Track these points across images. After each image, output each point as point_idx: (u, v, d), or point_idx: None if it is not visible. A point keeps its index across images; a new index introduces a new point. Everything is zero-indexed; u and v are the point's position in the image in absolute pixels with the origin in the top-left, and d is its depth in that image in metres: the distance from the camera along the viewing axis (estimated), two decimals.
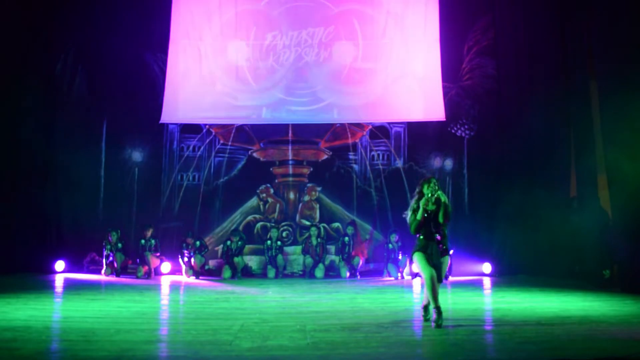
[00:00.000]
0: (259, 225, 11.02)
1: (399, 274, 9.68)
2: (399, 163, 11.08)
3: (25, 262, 9.89)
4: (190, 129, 11.20)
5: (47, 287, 8.53)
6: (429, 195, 5.30)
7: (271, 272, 10.06)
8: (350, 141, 11.18)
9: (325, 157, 11.19)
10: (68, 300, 7.27)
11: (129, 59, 10.87)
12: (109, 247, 10.02)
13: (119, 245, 10.03)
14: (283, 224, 11.02)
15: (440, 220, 5.37)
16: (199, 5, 10.99)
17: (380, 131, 11.19)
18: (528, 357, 4.18)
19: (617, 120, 7.98)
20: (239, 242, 10.11)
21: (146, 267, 9.93)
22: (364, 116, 10.95)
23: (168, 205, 10.99)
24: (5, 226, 9.79)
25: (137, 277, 9.74)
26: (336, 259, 10.38)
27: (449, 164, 10.95)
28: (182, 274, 10.01)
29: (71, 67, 10.77)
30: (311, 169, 11.19)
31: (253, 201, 11.11)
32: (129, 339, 4.72)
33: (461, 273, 9.81)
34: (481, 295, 7.81)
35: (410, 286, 8.82)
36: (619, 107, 7.92)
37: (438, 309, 5.19)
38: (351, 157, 11.16)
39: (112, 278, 9.70)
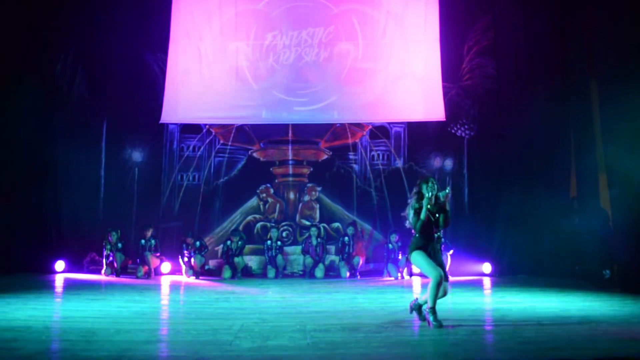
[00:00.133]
0: (259, 225, 11.02)
1: (399, 274, 9.69)
2: (399, 163, 11.08)
3: (25, 262, 9.90)
4: (190, 129, 11.20)
5: (47, 287, 8.53)
6: (429, 195, 5.29)
7: (271, 272, 10.06)
8: (350, 141, 11.19)
9: (325, 157, 11.19)
10: (68, 300, 7.26)
11: (129, 59, 10.87)
12: (109, 247, 10.02)
13: (119, 245, 10.03)
14: (283, 224, 11.02)
15: (441, 224, 5.38)
16: (199, 5, 10.99)
17: (380, 131, 11.19)
18: (528, 357, 4.17)
19: (617, 119, 7.98)
20: (239, 242, 10.11)
21: (146, 267, 9.93)
22: (364, 116, 10.95)
23: (168, 205, 10.99)
24: (5, 226, 9.79)
25: (137, 277, 9.74)
26: (336, 259, 10.39)
27: (449, 164, 10.96)
28: (182, 274, 10.01)
29: (71, 67, 10.78)
30: (311, 169, 11.19)
31: (253, 201, 11.11)
32: (129, 339, 4.72)
33: (461, 273, 9.82)
34: (481, 295, 7.80)
35: (410, 286, 8.82)
36: (619, 107, 7.91)
37: (433, 309, 5.20)
38: (351, 157, 11.17)
39: (112, 278, 9.70)
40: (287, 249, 10.71)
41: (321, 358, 4.14)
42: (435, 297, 5.22)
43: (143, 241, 10.08)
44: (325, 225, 10.95)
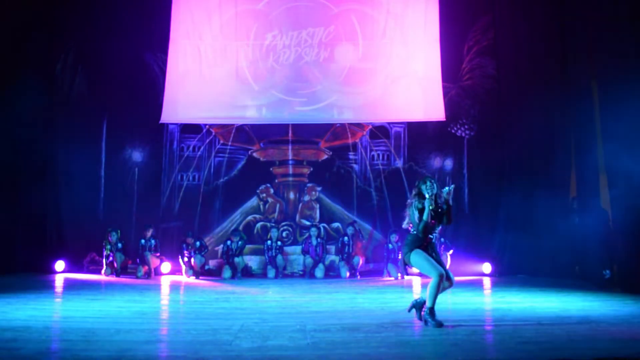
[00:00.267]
0: (259, 225, 11.02)
1: (399, 274, 9.68)
2: (399, 163, 11.08)
3: (25, 262, 9.90)
4: (190, 129, 11.20)
5: (47, 287, 8.53)
6: (430, 195, 5.28)
7: (271, 272, 10.06)
8: (350, 141, 11.19)
9: (325, 157, 11.19)
10: (68, 300, 7.27)
11: (129, 59, 10.87)
12: (109, 247, 10.02)
13: (119, 245, 10.03)
14: (283, 224, 11.02)
15: (445, 222, 5.38)
16: (199, 5, 10.99)
17: (380, 131, 11.19)
18: (528, 357, 4.17)
19: (617, 119, 7.97)
20: (240, 242, 10.12)
21: (146, 267, 9.93)
22: (364, 116, 10.96)
23: (168, 205, 10.99)
24: (5, 226, 9.78)
25: (137, 277, 9.74)
26: (336, 259, 10.38)
27: (449, 164, 10.96)
28: (182, 274, 10.01)
29: (71, 67, 10.78)
30: (311, 169, 11.19)
31: (253, 201, 11.11)
32: (129, 339, 4.72)
33: (461, 273, 9.79)
34: (481, 295, 7.80)
35: (410, 286, 8.82)
36: (620, 107, 7.91)
37: (432, 309, 5.19)
38: (351, 157, 11.17)
39: (112, 278, 9.70)
40: (287, 249, 10.71)
41: (321, 358, 4.14)
42: (435, 297, 5.21)
43: (143, 241, 10.08)
44: (325, 225, 10.95)
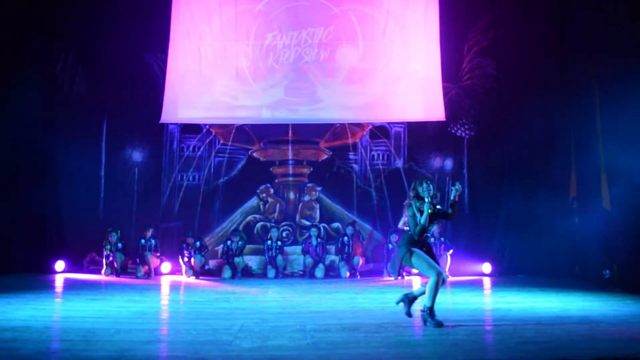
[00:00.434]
0: (259, 225, 11.02)
1: (404, 273, 9.66)
2: (399, 163, 11.08)
3: (25, 262, 9.90)
4: (190, 129, 11.20)
5: (47, 287, 8.53)
6: (429, 199, 5.27)
7: (271, 272, 10.06)
8: (350, 141, 11.19)
9: (325, 157, 11.19)
10: (68, 300, 7.27)
11: (129, 59, 10.87)
12: (109, 247, 10.02)
13: (119, 245, 10.03)
14: (283, 224, 11.02)
15: (448, 218, 5.42)
16: (199, 5, 10.99)
17: (380, 131, 11.19)
18: (528, 357, 4.18)
19: (617, 119, 7.97)
20: (240, 242, 10.12)
21: (146, 267, 9.93)
22: (364, 116, 10.96)
23: (168, 205, 10.99)
24: (5, 226, 9.79)
25: (137, 277, 9.74)
26: (336, 259, 10.38)
27: (449, 164, 10.96)
28: (182, 274, 10.01)
29: (71, 67, 10.78)
30: (311, 169, 11.19)
31: (253, 201, 11.11)
32: (129, 339, 4.72)
33: (461, 273, 9.81)
34: (481, 295, 7.81)
35: (410, 286, 8.82)
36: (620, 107, 7.91)
37: (432, 309, 5.20)
38: (351, 157, 11.17)
39: (112, 278, 9.70)
40: (287, 249, 10.71)
41: (321, 358, 4.14)
42: (434, 297, 5.20)
43: (143, 241, 10.08)
44: (325, 225, 10.95)
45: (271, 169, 11.21)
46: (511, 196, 9.98)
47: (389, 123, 11.15)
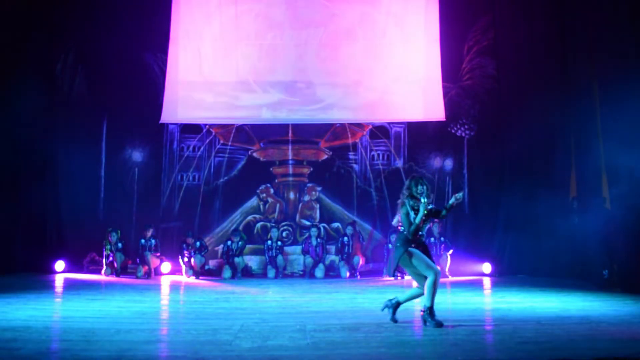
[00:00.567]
0: (259, 225, 11.02)
1: (399, 274, 9.67)
2: (399, 163, 11.08)
3: (25, 262, 9.90)
4: (190, 129, 11.20)
5: (47, 287, 8.53)
6: (425, 200, 5.26)
7: (271, 272, 10.06)
8: (350, 141, 11.19)
9: (325, 157, 11.19)
10: (68, 300, 7.27)
11: (129, 59, 10.87)
12: (109, 247, 10.02)
13: (119, 245, 10.03)
14: (283, 224, 11.02)
15: (440, 217, 5.41)
16: (199, 5, 10.99)
17: (380, 131, 11.19)
18: (528, 357, 4.18)
19: (617, 119, 7.98)
20: (240, 242, 10.13)
21: (146, 267, 9.93)
22: (364, 116, 10.96)
23: (168, 205, 10.99)
24: (5, 226, 9.79)
25: (137, 277, 9.74)
26: (336, 259, 10.38)
27: (449, 164, 10.96)
28: (182, 274, 10.01)
29: (71, 67, 10.79)
30: (311, 169, 11.19)
31: (253, 201, 11.11)
32: (129, 339, 4.73)
33: (461, 273, 9.81)
34: (481, 295, 7.81)
35: (410, 286, 8.80)
36: (620, 107, 7.91)
37: (431, 309, 5.19)
38: (351, 157, 11.17)
39: (112, 278, 9.70)
40: (287, 249, 10.71)
41: (321, 358, 4.14)
42: (433, 296, 5.20)
43: (143, 241, 10.08)
44: (325, 225, 10.95)
45: (271, 169, 11.21)
46: (511, 196, 9.98)
47: (389, 123, 11.15)
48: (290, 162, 11.19)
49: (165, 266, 10.15)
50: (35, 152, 10.28)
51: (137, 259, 10.04)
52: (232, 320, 5.61)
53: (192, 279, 9.71)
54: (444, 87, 10.76)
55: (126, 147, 10.95)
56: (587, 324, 5.44)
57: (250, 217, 11.05)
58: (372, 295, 7.75)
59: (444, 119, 10.74)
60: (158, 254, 10.13)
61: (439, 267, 5.28)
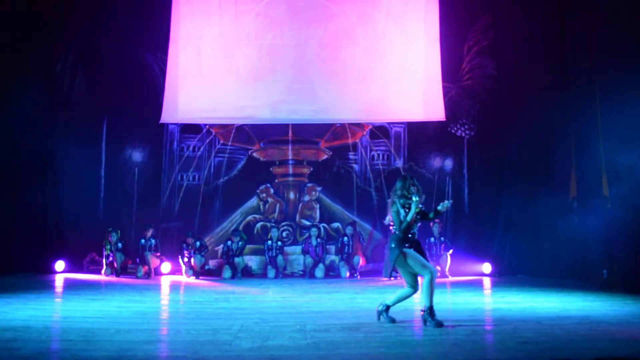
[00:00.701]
0: (259, 225, 11.02)
1: (398, 274, 9.66)
2: (399, 163, 11.08)
3: (25, 262, 9.90)
4: (190, 129, 11.20)
5: (47, 287, 8.53)
6: (417, 199, 5.25)
7: (271, 272, 10.06)
8: (350, 141, 11.19)
9: (325, 157, 11.19)
10: (68, 300, 7.27)
11: (129, 59, 10.88)
12: (109, 247, 10.02)
13: (119, 245, 10.03)
14: (283, 224, 11.02)
15: (428, 219, 5.46)
16: (199, 5, 10.99)
17: (380, 131, 11.19)
18: (528, 357, 4.18)
19: (617, 119, 7.97)
20: (240, 242, 10.13)
21: (146, 267, 9.93)
22: (364, 116, 10.96)
23: (168, 205, 10.99)
24: (5, 226, 9.79)
25: (137, 277, 9.74)
26: (336, 259, 10.39)
27: (449, 164, 10.96)
28: (182, 274, 10.01)
29: (71, 67, 10.79)
30: (311, 169, 11.19)
31: (253, 201, 11.11)
32: (129, 339, 4.73)
33: (461, 273, 9.81)
34: (481, 295, 7.80)
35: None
36: (620, 106, 7.91)
37: (431, 308, 5.19)
38: (351, 157, 11.17)
39: (112, 278, 9.70)
40: (287, 249, 10.71)
41: (321, 358, 4.14)
42: (432, 296, 5.20)
43: (143, 241, 10.08)
44: (325, 225, 10.95)
45: (271, 169, 11.21)
46: (511, 196, 9.98)
47: (389, 123, 11.15)
48: (290, 162, 11.20)
49: (165, 266, 10.15)
50: (35, 152, 10.28)
51: (137, 259, 10.04)
52: (232, 320, 5.61)
53: (192, 279, 9.71)
54: (444, 87, 10.76)
55: (126, 147, 10.95)
56: (587, 324, 5.44)
57: (250, 217, 11.05)
58: (372, 295, 7.74)
59: (444, 119, 10.74)
60: (158, 254, 10.13)
61: (434, 266, 5.27)
